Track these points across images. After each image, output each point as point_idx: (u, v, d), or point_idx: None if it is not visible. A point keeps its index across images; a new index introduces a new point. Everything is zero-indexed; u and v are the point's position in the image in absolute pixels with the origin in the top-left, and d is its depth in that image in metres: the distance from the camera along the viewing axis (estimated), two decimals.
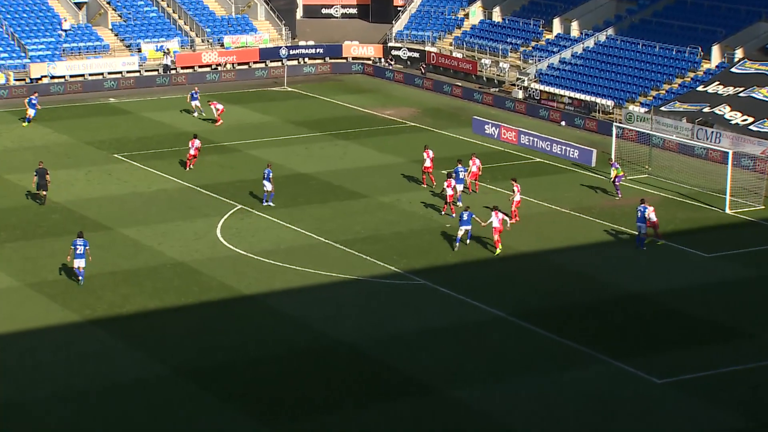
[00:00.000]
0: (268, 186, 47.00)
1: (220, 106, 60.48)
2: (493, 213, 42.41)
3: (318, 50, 77.66)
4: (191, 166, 52.23)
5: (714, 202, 49.07)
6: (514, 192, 45.77)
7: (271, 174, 47.21)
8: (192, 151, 52.64)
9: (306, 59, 77.24)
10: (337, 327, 35.60)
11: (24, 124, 58.26)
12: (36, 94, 60.36)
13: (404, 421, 29.95)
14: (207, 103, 61.15)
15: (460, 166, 48.37)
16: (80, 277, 38.39)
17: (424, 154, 50.25)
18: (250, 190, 49.11)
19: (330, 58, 77.49)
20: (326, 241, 43.46)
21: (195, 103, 62.09)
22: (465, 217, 42.19)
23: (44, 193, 46.76)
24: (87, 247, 38.35)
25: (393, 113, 65.05)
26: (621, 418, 30.36)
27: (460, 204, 47.65)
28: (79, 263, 38.22)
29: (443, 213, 46.46)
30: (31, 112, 58.97)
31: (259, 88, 71.37)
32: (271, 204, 47.04)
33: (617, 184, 49.79)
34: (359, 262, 41.23)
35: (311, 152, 55.61)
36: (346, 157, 55.43)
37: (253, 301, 37.62)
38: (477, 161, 49.41)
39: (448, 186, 46.21)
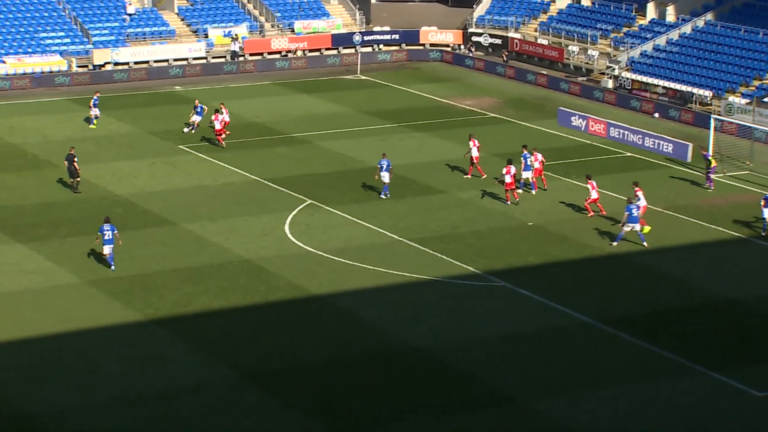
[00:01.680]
0: (386, 177, 47.29)
1: (227, 117, 55.08)
2: (640, 192, 43.06)
3: (394, 36, 77.59)
4: (221, 142, 54.36)
5: None
6: (589, 191, 45.29)
7: (390, 165, 47.43)
8: (217, 125, 54.17)
9: (381, 46, 77.24)
10: (411, 331, 35.47)
11: (92, 126, 58.56)
12: (98, 94, 59.66)
13: None
14: (219, 105, 56.15)
15: (526, 152, 48.17)
16: (111, 264, 39.56)
17: (470, 143, 50.17)
18: (319, 184, 49.27)
19: (406, 45, 77.39)
20: (400, 239, 43.36)
21: (94, 111, 58.05)
22: (635, 212, 41.71)
23: (77, 179, 47.70)
24: (115, 232, 39.58)
25: (473, 103, 64.73)
26: None
27: (533, 191, 47.45)
28: (107, 249, 39.38)
29: (508, 203, 46.31)
30: (94, 113, 58.76)
31: (331, 76, 71.55)
32: (383, 196, 47.47)
33: (710, 175, 49.14)
34: (435, 262, 41.06)
35: (385, 144, 55.52)
36: (423, 150, 55.26)
37: (322, 302, 37.65)
38: (539, 156, 48.72)
39: (507, 173, 46.12)
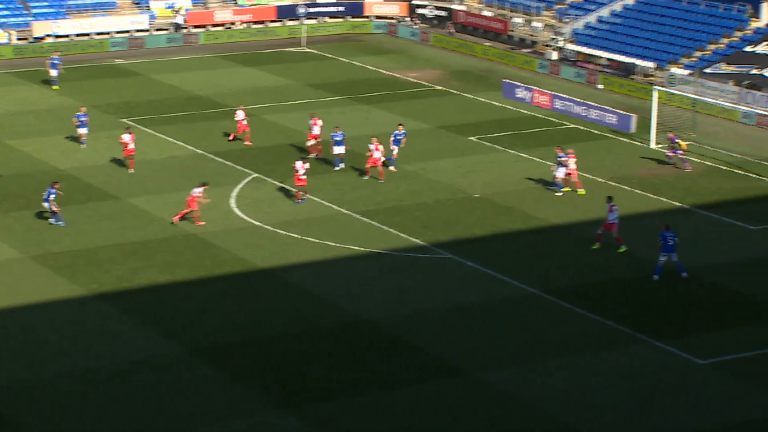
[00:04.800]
0: (338, 150, 47.65)
1: (129, 142, 47.16)
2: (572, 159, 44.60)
3: (338, 8, 77.32)
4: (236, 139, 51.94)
5: (762, 172, 48.71)
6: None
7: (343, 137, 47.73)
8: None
9: (326, 18, 76.94)
10: (358, 303, 35.59)
11: (55, 88, 58.50)
12: (58, 53, 59.98)
13: (431, 405, 29.93)
14: (124, 131, 48.36)
15: (402, 130, 48.27)
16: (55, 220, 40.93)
17: (311, 122, 49.26)
18: (264, 157, 49.08)
19: (351, 17, 77.16)
20: (346, 212, 43.40)
21: (53, 72, 59.21)
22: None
23: None
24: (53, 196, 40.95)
25: (418, 76, 64.76)
26: (661, 401, 30.23)
27: (393, 168, 47.42)
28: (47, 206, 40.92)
29: (368, 176, 46.36)
30: (53, 73, 59.04)
31: (276, 48, 71.19)
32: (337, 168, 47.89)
33: (681, 156, 48.95)
34: (381, 235, 41.17)
35: (331, 117, 55.38)
36: (369, 123, 55.25)
37: (269, 276, 37.64)
38: (380, 146, 46.97)
39: (375, 149, 46.09)
